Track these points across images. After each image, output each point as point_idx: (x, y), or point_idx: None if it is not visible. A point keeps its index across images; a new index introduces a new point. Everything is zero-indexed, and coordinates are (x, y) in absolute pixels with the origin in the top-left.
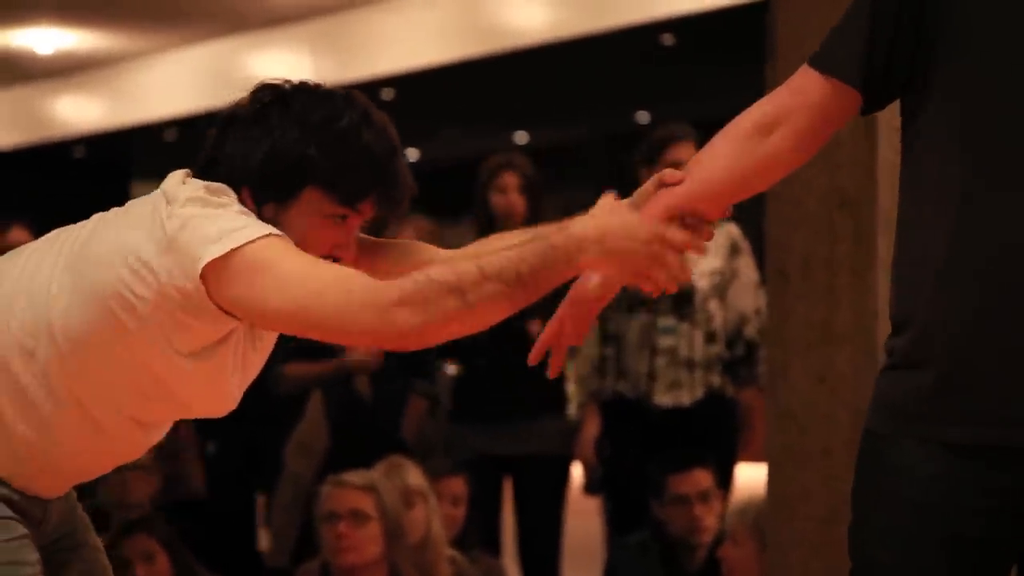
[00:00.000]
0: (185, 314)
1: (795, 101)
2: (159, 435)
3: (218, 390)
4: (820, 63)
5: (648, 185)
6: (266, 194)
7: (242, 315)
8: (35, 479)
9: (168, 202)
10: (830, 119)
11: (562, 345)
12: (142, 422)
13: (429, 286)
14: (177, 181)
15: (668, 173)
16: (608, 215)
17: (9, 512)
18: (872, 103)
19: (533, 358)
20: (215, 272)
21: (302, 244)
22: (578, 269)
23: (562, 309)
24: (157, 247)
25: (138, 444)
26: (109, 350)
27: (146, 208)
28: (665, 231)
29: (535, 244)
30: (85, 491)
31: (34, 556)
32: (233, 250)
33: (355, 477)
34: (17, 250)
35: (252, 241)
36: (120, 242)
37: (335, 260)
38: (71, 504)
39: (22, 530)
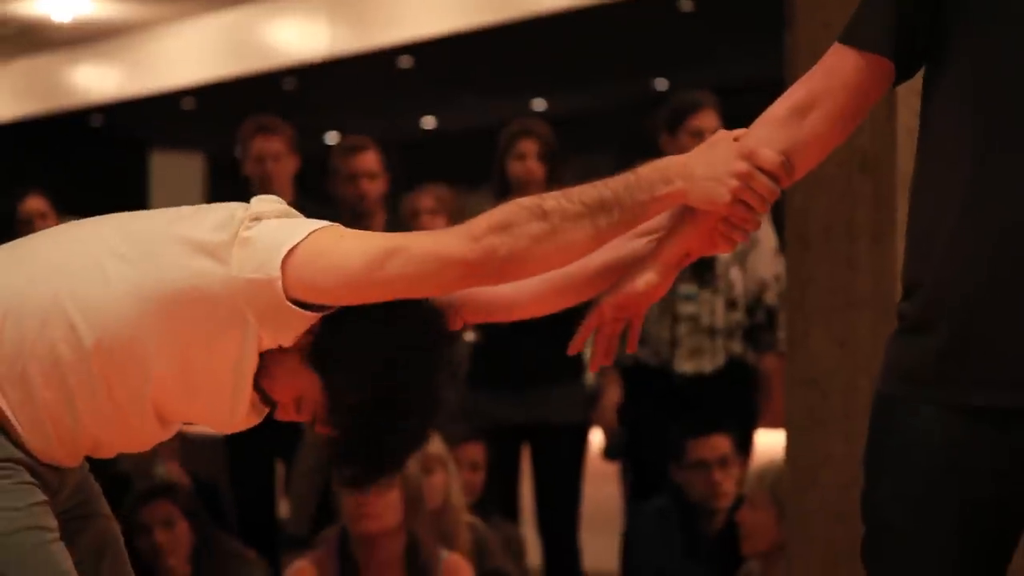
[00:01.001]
0: (250, 309)
1: (829, 82)
2: (172, 432)
3: (235, 406)
4: (852, 39)
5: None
6: (318, 338)
7: (331, 291)
8: (53, 447)
9: (246, 208)
10: (864, 96)
11: (605, 336)
12: (162, 416)
13: (514, 211)
14: (261, 198)
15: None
16: (701, 149)
17: (31, 478)
18: (904, 73)
19: (573, 348)
20: (294, 262)
21: (272, 373)
22: (663, 200)
23: (606, 300)
24: (230, 242)
25: (153, 436)
26: (154, 340)
27: (222, 210)
28: (749, 163)
29: (623, 175)
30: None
31: (54, 522)
32: (312, 233)
33: None
34: (81, 222)
35: (327, 227)
36: (192, 235)
37: (269, 403)
38: (84, 474)
39: (42, 496)
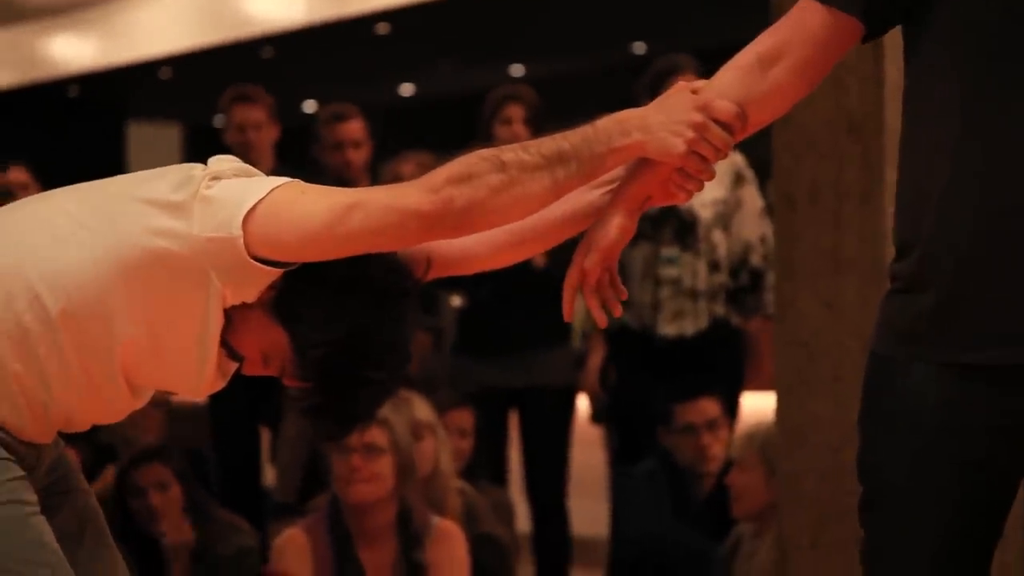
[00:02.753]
0: (212, 268)
1: (796, 33)
2: (143, 401)
3: (202, 367)
4: None
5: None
6: (282, 293)
7: (292, 248)
8: (26, 421)
9: (204, 168)
10: (831, 50)
11: (593, 291)
12: (132, 382)
13: (473, 162)
14: (219, 158)
15: (690, 83)
16: (659, 101)
17: (7, 454)
18: (873, 31)
19: (567, 315)
20: (256, 219)
21: (238, 328)
22: (621, 152)
23: (579, 256)
24: (190, 201)
25: (125, 404)
26: (119, 303)
27: (181, 172)
28: (705, 115)
29: (581, 128)
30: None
31: (34, 496)
32: (273, 190)
33: None
34: (40, 195)
35: (287, 183)
36: (151, 196)
37: (237, 359)
38: (60, 450)
39: (20, 471)
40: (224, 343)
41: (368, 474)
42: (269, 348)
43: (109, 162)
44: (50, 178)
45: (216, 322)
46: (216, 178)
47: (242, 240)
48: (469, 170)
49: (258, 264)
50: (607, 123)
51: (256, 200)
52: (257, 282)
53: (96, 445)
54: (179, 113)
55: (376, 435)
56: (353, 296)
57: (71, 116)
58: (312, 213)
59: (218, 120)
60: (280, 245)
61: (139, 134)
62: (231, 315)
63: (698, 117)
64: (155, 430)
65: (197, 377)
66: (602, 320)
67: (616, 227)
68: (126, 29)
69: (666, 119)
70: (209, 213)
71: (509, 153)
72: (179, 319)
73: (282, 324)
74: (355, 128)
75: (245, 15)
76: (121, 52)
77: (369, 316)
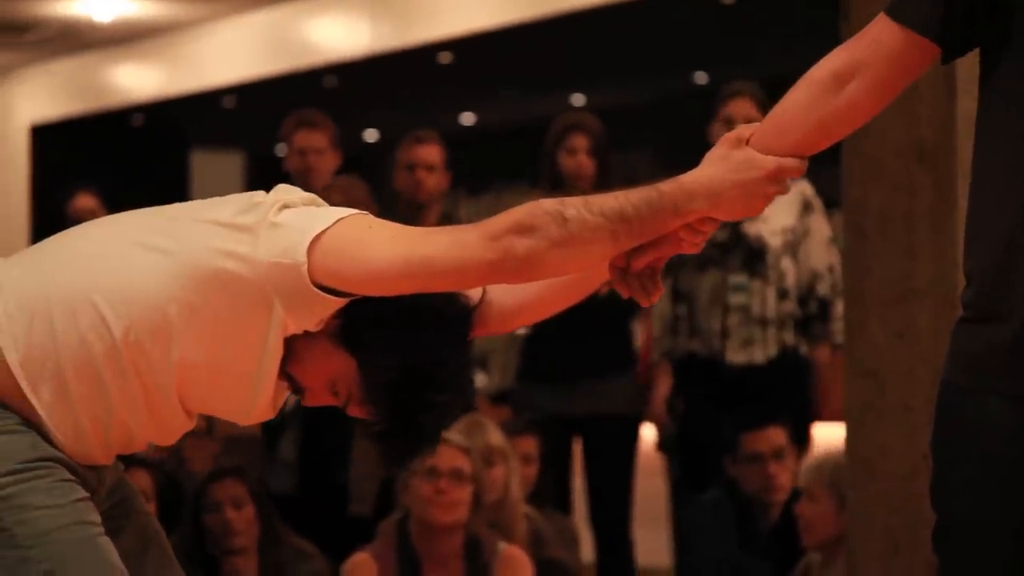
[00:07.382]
0: (275, 293)
1: (872, 52)
2: (193, 423)
3: (256, 395)
4: (899, 15)
5: (717, 147)
6: (349, 321)
7: (354, 282)
8: (88, 443)
9: (269, 195)
10: (907, 70)
11: (635, 279)
12: (185, 405)
13: (536, 214)
14: (285, 187)
15: (737, 130)
16: (720, 166)
17: (70, 475)
18: (951, 54)
19: (623, 294)
20: (321, 248)
21: (302, 358)
22: (685, 219)
23: (635, 259)
24: (258, 225)
25: (179, 428)
26: (181, 324)
27: (244, 198)
28: (776, 171)
29: (645, 190)
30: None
31: (98, 518)
32: (339, 221)
33: (456, 436)
34: (105, 218)
35: (354, 215)
36: (218, 218)
37: (297, 390)
38: (120, 474)
39: (84, 492)
40: (286, 375)
41: (452, 499)
42: (336, 376)
43: (172, 190)
44: (115, 207)
45: (276, 350)
46: (286, 206)
47: (306, 267)
48: (532, 221)
49: (320, 292)
50: (672, 188)
51: (322, 229)
52: (318, 310)
53: (168, 472)
54: (242, 142)
55: (462, 462)
56: (419, 321)
57: (135, 145)
58: (376, 252)
59: (280, 149)
60: (342, 277)
61: (202, 163)
62: (293, 346)
63: (773, 189)
64: (210, 460)
65: (250, 404)
66: (644, 301)
67: (674, 240)
68: (190, 58)
69: (741, 190)
70: (275, 239)
71: (572, 209)
72: (239, 342)
73: (351, 352)
74: (431, 152)
75: (308, 44)
76: (185, 81)
77: (434, 340)
